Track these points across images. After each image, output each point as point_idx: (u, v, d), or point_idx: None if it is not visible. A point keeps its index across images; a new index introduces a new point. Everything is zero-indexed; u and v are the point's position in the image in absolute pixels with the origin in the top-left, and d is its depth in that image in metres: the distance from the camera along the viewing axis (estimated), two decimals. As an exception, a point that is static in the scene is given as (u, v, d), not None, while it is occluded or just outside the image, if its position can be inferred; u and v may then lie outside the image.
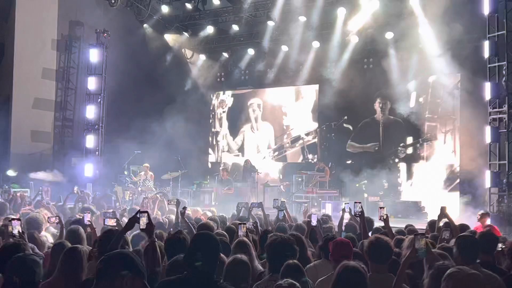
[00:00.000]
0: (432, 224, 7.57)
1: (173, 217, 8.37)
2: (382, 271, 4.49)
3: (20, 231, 4.90)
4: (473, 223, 8.24)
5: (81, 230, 5.88)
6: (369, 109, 18.77)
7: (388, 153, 18.33)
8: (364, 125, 18.95)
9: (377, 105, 18.66)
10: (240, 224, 5.69)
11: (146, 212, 4.43)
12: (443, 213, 6.87)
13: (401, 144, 18.08)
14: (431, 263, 4.09)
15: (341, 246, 4.87)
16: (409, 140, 17.98)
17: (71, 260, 4.31)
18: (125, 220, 7.40)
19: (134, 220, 4.42)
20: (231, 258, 4.50)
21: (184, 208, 7.41)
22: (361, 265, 3.89)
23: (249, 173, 17.92)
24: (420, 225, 8.35)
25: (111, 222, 6.21)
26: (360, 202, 6.53)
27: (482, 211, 10.00)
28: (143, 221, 4.30)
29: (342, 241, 5.04)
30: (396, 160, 18.20)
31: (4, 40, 18.64)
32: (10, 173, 16.61)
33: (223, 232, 6.38)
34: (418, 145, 17.78)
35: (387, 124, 18.47)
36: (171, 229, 7.06)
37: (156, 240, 4.44)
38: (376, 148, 18.63)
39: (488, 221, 9.59)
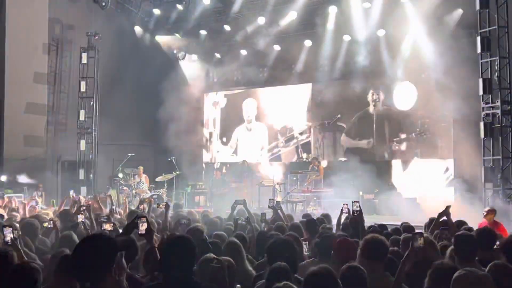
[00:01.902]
0: (431, 223, 7.47)
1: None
2: (378, 271, 4.46)
3: (13, 238, 4.81)
4: (469, 220, 8.20)
5: (74, 236, 5.82)
6: (363, 107, 18.78)
7: (382, 147, 18.33)
8: (358, 118, 18.93)
9: (370, 97, 18.66)
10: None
11: (145, 217, 4.37)
12: (445, 212, 6.83)
13: (395, 139, 18.09)
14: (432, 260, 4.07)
15: (346, 246, 4.85)
16: (403, 135, 18.00)
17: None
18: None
19: (133, 226, 4.36)
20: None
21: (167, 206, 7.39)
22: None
23: (245, 173, 17.88)
24: (416, 222, 8.30)
25: (107, 227, 6.16)
26: (358, 201, 6.50)
27: (488, 208, 9.84)
28: (143, 226, 4.24)
29: (347, 241, 5.00)
30: (391, 156, 18.23)
31: (-5, 45, 18.54)
32: (4, 178, 16.51)
33: (221, 233, 6.36)
34: (411, 139, 17.79)
35: (380, 117, 18.45)
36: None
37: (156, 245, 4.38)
38: (370, 145, 18.63)
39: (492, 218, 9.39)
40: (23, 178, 16.39)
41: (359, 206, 6.44)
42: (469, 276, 3.36)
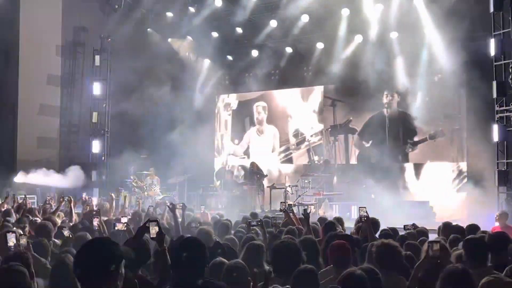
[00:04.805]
0: (446, 227, 7.37)
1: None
2: (392, 276, 4.42)
3: (16, 243, 4.76)
4: (482, 224, 8.12)
5: (89, 237, 5.84)
6: (376, 109, 18.64)
7: (395, 150, 18.16)
8: (371, 120, 18.80)
9: (383, 99, 18.52)
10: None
11: (156, 220, 4.37)
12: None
13: (408, 142, 17.97)
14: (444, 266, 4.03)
15: (337, 249, 4.81)
16: (416, 138, 17.89)
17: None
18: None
19: (144, 230, 4.37)
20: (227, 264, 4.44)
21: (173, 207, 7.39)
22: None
23: (255, 175, 17.85)
24: (429, 226, 8.25)
25: (120, 227, 6.18)
26: (364, 207, 6.45)
27: (500, 211, 9.74)
28: (154, 230, 4.24)
29: (338, 244, 4.95)
30: (404, 159, 18.11)
31: (9, 47, 18.65)
32: (17, 179, 16.62)
33: (232, 237, 6.36)
34: (424, 142, 17.67)
35: (394, 119, 18.28)
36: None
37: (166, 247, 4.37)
38: (383, 148, 18.47)
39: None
40: (35, 180, 16.49)
41: (366, 212, 6.38)
42: (497, 282, 3.32)
